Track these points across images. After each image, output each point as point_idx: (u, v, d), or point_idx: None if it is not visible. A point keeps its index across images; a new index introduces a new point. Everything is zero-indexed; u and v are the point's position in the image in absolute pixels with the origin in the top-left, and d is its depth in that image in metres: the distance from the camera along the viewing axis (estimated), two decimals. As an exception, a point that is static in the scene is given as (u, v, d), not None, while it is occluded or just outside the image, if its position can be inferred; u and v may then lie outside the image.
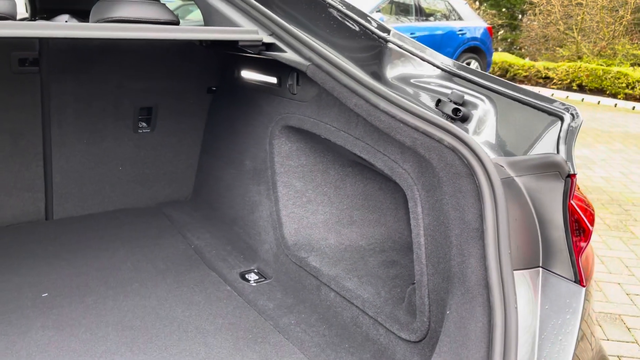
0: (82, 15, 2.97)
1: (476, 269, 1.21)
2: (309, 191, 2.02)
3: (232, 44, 1.77)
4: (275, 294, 1.94)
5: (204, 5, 2.05)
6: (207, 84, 2.44)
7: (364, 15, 1.69)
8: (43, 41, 2.04)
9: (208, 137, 2.56)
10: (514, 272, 1.17)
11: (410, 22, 9.62)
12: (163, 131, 2.47)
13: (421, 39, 9.22)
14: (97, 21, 1.87)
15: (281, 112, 1.98)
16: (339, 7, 1.75)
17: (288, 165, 2.02)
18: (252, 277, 2.06)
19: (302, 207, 2.03)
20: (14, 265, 2.00)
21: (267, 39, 1.80)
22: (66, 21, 2.48)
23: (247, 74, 2.18)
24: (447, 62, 1.56)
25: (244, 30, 1.77)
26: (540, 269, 1.23)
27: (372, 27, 1.63)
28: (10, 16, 1.62)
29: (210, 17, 2.00)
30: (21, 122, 2.15)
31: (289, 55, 1.73)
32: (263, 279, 2.05)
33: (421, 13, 9.97)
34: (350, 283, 1.76)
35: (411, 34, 9.06)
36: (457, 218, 1.28)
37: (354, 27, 1.69)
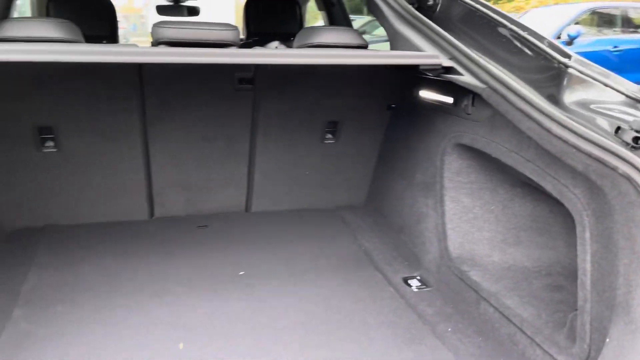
0: (287, 37, 3.42)
1: None
2: (476, 208, 2.09)
3: (413, 67, 1.94)
4: (435, 301, 2.05)
5: (390, 30, 2.26)
6: (388, 102, 2.66)
7: (543, 39, 1.72)
8: (258, 64, 2.46)
9: (384, 149, 2.77)
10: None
11: (615, 34, 8.71)
12: (345, 142, 2.75)
13: (628, 53, 8.28)
14: (300, 46, 2.21)
15: (454, 130, 2.09)
16: (519, 30, 1.80)
17: (457, 182, 2.12)
18: (414, 283, 2.20)
19: (468, 222, 2.10)
20: (220, 247, 2.45)
21: (447, 62, 1.93)
22: (276, 47, 2.92)
23: (425, 94, 2.33)
24: (632, 88, 1.52)
25: (424, 55, 1.94)
26: None
27: (552, 51, 1.66)
28: (234, 43, 2.02)
29: (396, 40, 2.20)
30: (236, 130, 2.61)
31: (465, 79, 1.85)
32: (424, 286, 2.17)
33: (629, 24, 8.96)
34: (511, 301, 1.80)
35: (614, 47, 8.22)
36: (627, 247, 1.26)
37: (533, 51, 1.73)
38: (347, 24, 3.95)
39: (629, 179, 1.26)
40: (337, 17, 4.00)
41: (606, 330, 1.30)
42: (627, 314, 1.22)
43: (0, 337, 1.72)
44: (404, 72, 2.32)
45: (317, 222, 2.74)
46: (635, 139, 1.36)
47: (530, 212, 2.04)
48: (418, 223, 2.35)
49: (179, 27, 1.97)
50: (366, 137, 2.76)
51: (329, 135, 2.73)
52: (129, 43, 3.41)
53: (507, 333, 1.75)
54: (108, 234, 2.49)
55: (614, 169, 1.30)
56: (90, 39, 3.17)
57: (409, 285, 2.18)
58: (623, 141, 1.38)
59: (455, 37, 2.05)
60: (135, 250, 2.35)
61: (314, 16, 5.35)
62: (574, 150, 1.40)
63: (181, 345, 1.74)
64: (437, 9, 2.25)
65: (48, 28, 1.89)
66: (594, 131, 1.40)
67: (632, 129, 1.37)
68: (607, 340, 1.24)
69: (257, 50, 2.40)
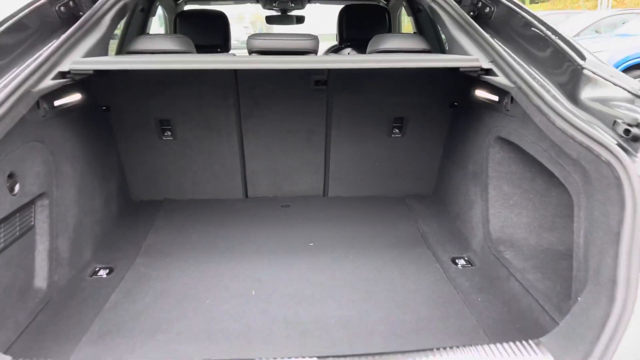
0: (360, 44, 3.79)
1: (610, 267, 1.40)
2: (515, 195, 2.31)
3: (455, 69, 2.23)
4: (474, 277, 2.31)
5: (448, 35, 2.54)
6: (450, 100, 2.92)
7: (566, 41, 1.92)
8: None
9: (448, 144, 3.03)
10: (645, 273, 1.33)
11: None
12: (411, 137, 3.06)
13: None
14: (371, 52, 2.58)
15: (497, 125, 2.33)
16: (550, 34, 2.01)
17: (499, 171, 2.35)
18: (461, 262, 2.46)
19: (508, 208, 2.33)
20: (298, 223, 2.89)
21: (486, 65, 2.19)
22: (348, 53, 3.32)
23: (479, 93, 2.57)
24: (636, 86, 1.69)
25: (466, 58, 2.21)
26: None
27: (572, 53, 1.86)
28: (313, 50, 2.45)
29: (452, 45, 2.48)
30: (313, 124, 3.05)
31: (499, 79, 2.10)
32: (469, 265, 2.42)
33: None
34: (534, 277, 2.02)
35: None
36: (603, 222, 1.48)
37: (558, 53, 1.94)
38: (434, 28, 4.20)
39: (608, 164, 1.47)
40: (424, 22, 4.27)
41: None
42: (597, 278, 1.44)
43: (125, 275, 2.32)
44: (460, 74, 2.59)
45: (384, 208, 3.08)
46: (626, 131, 1.56)
47: (567, 200, 2.21)
48: (469, 210, 2.60)
49: (267, 38, 2.44)
50: (430, 132, 3.05)
51: (396, 130, 3.05)
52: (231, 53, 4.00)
53: (526, 303, 1.98)
54: (210, 208, 3.07)
55: (597, 156, 1.51)
56: (207, 47, 3.80)
57: (455, 264, 2.45)
58: (617, 133, 1.58)
59: (502, 41, 2.29)
60: (230, 222, 2.89)
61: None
62: (571, 140, 1.63)
63: (253, 292, 2.21)
64: (492, 17, 2.49)
65: (167, 42, 2.46)
66: (588, 124, 1.61)
67: (624, 122, 1.57)
68: (579, 299, 1.46)
69: (330, 57, 2.81)
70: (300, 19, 5.39)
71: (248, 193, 3.23)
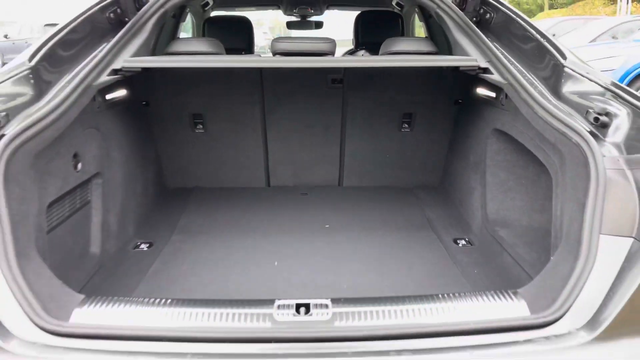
0: (374, 47, 4.10)
1: (576, 231, 1.67)
2: (510, 181, 2.58)
3: (457, 68, 2.51)
4: (473, 254, 2.59)
5: (452, 38, 2.82)
6: (455, 98, 3.21)
7: (551, 42, 2.20)
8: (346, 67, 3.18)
9: (453, 138, 3.32)
10: (605, 235, 1.60)
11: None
12: (419, 131, 3.35)
13: None
14: (383, 53, 2.88)
15: (494, 119, 2.61)
16: (538, 37, 2.29)
17: (496, 160, 2.63)
18: (462, 242, 2.74)
19: (504, 193, 2.60)
20: (315, 209, 3.20)
21: (484, 64, 2.47)
22: (362, 54, 3.62)
23: (480, 90, 2.85)
24: (608, 81, 1.96)
25: (465, 58, 2.49)
26: (632, 239, 1.59)
27: (556, 52, 2.14)
28: (330, 52, 2.75)
29: (455, 47, 2.77)
30: (330, 120, 3.37)
31: (494, 77, 2.38)
32: (469, 245, 2.70)
33: None
34: (523, 250, 2.29)
35: None
36: (573, 194, 1.75)
37: (544, 53, 2.22)
38: (444, 33, 4.47)
39: (578, 146, 1.75)
40: (435, 27, 4.55)
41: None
42: (566, 241, 1.71)
43: (163, 249, 2.64)
44: (462, 73, 2.88)
45: (394, 196, 3.37)
46: (596, 119, 1.83)
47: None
48: (470, 195, 2.88)
49: (289, 42, 2.75)
50: (437, 126, 3.33)
51: (405, 125, 3.35)
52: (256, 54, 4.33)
53: (516, 272, 2.25)
54: (236, 194, 3.39)
55: (570, 139, 1.79)
56: (233, 50, 4.14)
57: (457, 244, 2.73)
58: (588, 121, 1.86)
59: (500, 44, 2.57)
60: (254, 207, 3.21)
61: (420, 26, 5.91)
62: (550, 127, 1.91)
63: (276, 263, 2.51)
64: (492, 22, 2.77)
65: (200, 45, 2.79)
66: (565, 114, 1.89)
67: (595, 111, 1.84)
68: (552, 258, 1.74)
69: (345, 57, 3.12)
70: (319, 24, 5.72)
71: (270, 182, 3.55)
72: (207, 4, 4.63)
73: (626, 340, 1.47)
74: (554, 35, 14.30)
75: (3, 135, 1.69)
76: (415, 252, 2.61)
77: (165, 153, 3.38)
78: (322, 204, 3.27)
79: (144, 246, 2.67)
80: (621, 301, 1.48)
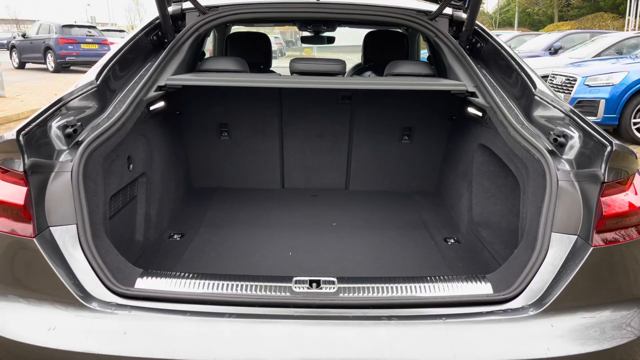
0: (381, 65, 4.53)
1: (534, 229, 2.10)
2: (492, 189, 3.01)
3: (447, 92, 2.95)
4: (459, 251, 3.01)
5: (447, 63, 3.25)
6: (449, 115, 3.64)
7: (528, 75, 2.62)
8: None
9: (447, 150, 3.75)
10: (556, 233, 2.02)
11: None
12: (418, 143, 3.79)
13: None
14: (387, 74, 3.32)
15: (479, 135, 3.04)
16: (517, 68, 2.71)
17: (481, 171, 3.05)
18: (450, 241, 3.16)
19: (487, 199, 3.03)
20: (324, 209, 3.64)
21: (471, 88, 2.90)
22: (369, 75, 4.07)
23: (470, 109, 3.28)
24: (567, 109, 2.38)
25: (455, 83, 2.93)
26: (576, 236, 2.01)
27: (529, 83, 2.56)
28: (341, 72, 3.19)
29: (449, 72, 3.20)
30: (339, 131, 3.81)
31: (479, 100, 2.81)
32: (457, 243, 3.13)
33: None
34: (500, 247, 2.71)
35: None
36: (534, 201, 2.18)
37: (521, 82, 2.64)
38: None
39: (539, 161, 2.18)
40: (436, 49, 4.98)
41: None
42: (527, 238, 2.13)
43: (193, 239, 3.09)
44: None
45: (393, 199, 3.80)
46: (555, 140, 2.25)
47: None
48: (459, 201, 3.31)
49: (305, 62, 3.19)
50: (433, 139, 3.77)
51: (405, 137, 3.78)
52: (274, 72, 4.78)
53: (493, 267, 2.67)
54: (255, 195, 3.84)
55: (532, 155, 2.22)
56: (253, 64, 4.60)
57: (446, 242, 3.15)
58: (549, 141, 2.28)
59: (487, 70, 3.00)
60: (270, 206, 3.65)
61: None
62: (519, 145, 2.33)
63: (290, 253, 2.95)
64: (482, 51, 3.20)
65: (229, 63, 3.24)
66: (531, 135, 2.32)
67: (554, 133, 2.27)
68: (515, 251, 2.16)
69: (354, 79, 3.57)
70: (330, 40, 6.17)
71: (285, 184, 3.99)
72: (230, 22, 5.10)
73: (564, 315, 1.90)
74: (560, 48, 14.66)
75: (79, 141, 2.15)
76: (410, 248, 3.04)
77: (193, 156, 3.84)
78: (330, 205, 3.70)
79: (176, 236, 3.12)
80: (563, 285, 1.91)
